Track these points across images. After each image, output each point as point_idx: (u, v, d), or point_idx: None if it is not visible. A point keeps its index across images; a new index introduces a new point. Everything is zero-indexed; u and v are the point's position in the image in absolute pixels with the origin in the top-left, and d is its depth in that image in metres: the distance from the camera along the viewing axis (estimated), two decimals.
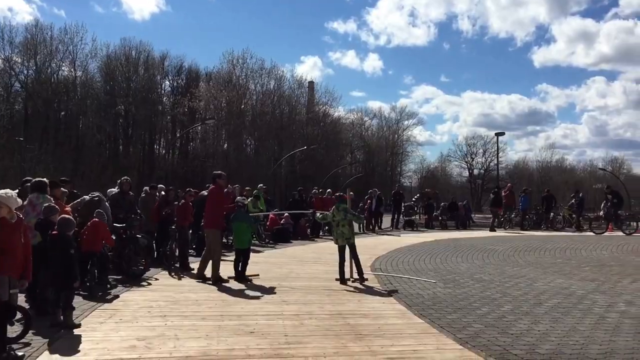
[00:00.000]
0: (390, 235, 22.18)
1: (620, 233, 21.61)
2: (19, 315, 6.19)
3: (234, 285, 10.00)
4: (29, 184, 9.12)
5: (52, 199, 8.13)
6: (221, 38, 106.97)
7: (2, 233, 5.49)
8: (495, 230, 23.83)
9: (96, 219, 9.30)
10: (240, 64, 63.26)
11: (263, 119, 63.14)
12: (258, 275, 10.67)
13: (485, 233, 23.21)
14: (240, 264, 10.50)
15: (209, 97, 60.35)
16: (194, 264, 11.17)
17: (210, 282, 10.11)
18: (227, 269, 10.63)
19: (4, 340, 5.54)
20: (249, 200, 16.02)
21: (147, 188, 14.00)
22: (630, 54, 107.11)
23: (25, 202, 8.02)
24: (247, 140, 65.07)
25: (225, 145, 63.81)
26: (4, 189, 10.48)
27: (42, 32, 55.24)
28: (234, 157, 59.85)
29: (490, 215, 27.13)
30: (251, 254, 11.15)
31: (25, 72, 55.26)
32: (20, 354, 5.51)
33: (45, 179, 8.42)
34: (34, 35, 54.62)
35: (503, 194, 26.44)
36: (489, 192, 70.98)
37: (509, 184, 29.53)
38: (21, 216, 5.99)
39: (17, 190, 9.76)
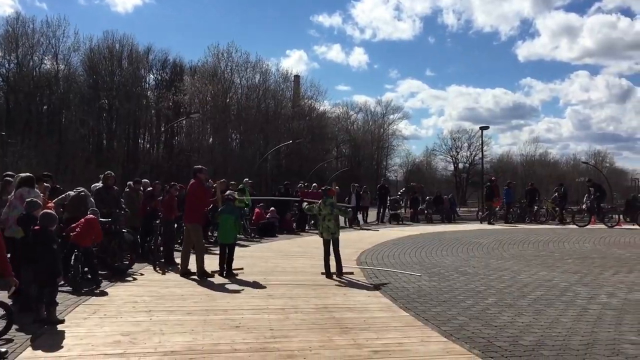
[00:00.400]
0: (376, 229, 22.24)
1: (603, 226, 21.89)
2: (1, 312, 6.14)
3: (219, 279, 9.98)
4: (8, 177, 9.07)
5: (40, 194, 8.06)
6: (206, 31, 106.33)
7: None
8: (493, 224, 23.99)
9: (91, 216, 9.25)
10: (226, 57, 62.96)
11: (248, 113, 62.90)
12: (243, 269, 10.66)
13: (470, 226, 23.39)
14: (225, 259, 10.46)
15: (193, 91, 59.98)
16: (180, 259, 11.11)
17: (195, 277, 10.08)
18: (212, 263, 10.59)
19: None
20: (236, 194, 15.95)
21: (130, 183, 13.90)
22: (613, 48, 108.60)
23: (11, 196, 7.94)
24: (232, 134, 64.81)
25: (211, 140, 63.51)
26: None
27: (23, 25, 54.52)
28: (219, 151, 59.57)
29: (476, 209, 27.26)
30: (237, 249, 11.13)
31: (7, 65, 54.58)
32: (3, 350, 5.46)
33: (30, 174, 8.33)
34: (15, 28, 53.83)
35: None
36: (474, 185, 71.69)
37: (492, 178, 29.74)
38: None
39: None
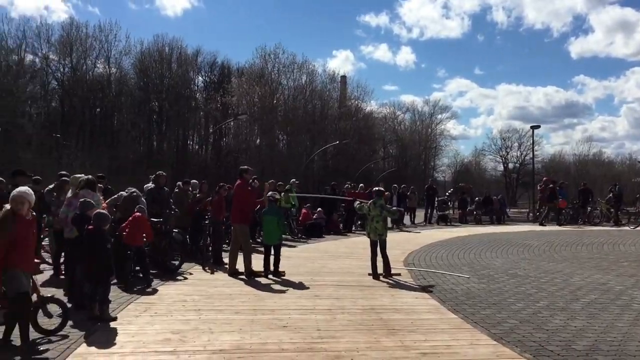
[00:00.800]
0: (424, 230, 22.01)
1: None
2: (57, 309, 6.34)
3: (267, 280, 10.06)
4: (65, 177, 9.44)
5: (101, 197, 8.32)
6: (253, 33, 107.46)
7: (20, 228, 5.60)
8: (544, 225, 23.48)
9: (138, 214, 9.48)
10: (272, 59, 63.43)
11: (295, 113, 63.23)
12: (284, 272, 10.62)
13: (520, 228, 22.89)
14: (270, 260, 10.52)
15: (241, 92, 60.64)
16: (228, 259, 11.25)
17: (243, 277, 10.20)
18: (259, 263, 10.66)
19: (28, 329, 5.64)
20: (281, 195, 16.06)
21: (180, 183, 14.16)
22: None
23: (70, 196, 8.22)
24: (279, 135, 65.26)
25: (258, 141, 64.17)
26: (43, 185, 10.82)
27: (77, 30, 56.32)
28: (266, 152, 60.11)
29: (526, 210, 26.54)
30: (284, 249, 11.17)
31: (62, 69, 56.40)
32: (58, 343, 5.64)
33: (92, 177, 8.60)
34: (69, 33, 55.67)
35: (539, 188, 25.97)
36: (524, 186, 70.09)
37: (544, 178, 29.00)
38: (34, 214, 6.06)
39: (52, 185, 10.08)
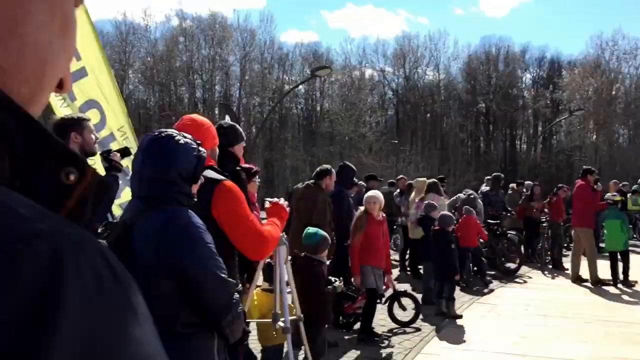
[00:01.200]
0: None
1: None
2: (410, 302, 6.85)
3: (615, 289, 9.20)
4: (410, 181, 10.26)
5: (444, 198, 8.89)
6: (586, 22, 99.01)
7: (371, 228, 6.13)
8: None
9: (466, 215, 9.70)
10: (610, 46, 57.71)
11: (639, 105, 56.45)
12: (636, 282, 9.52)
13: None
14: (617, 268, 9.58)
15: (574, 86, 56.74)
16: (569, 264, 10.67)
17: (588, 284, 9.54)
18: (604, 270, 9.78)
19: (371, 323, 6.13)
20: (629, 195, 14.54)
21: (513, 185, 13.98)
22: None
23: (417, 199, 8.94)
24: (619, 130, 59.12)
25: (594, 137, 59.16)
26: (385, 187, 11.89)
27: (409, 42, 60.20)
28: (604, 149, 55.03)
29: None
30: (636, 256, 10.08)
31: (396, 80, 61.04)
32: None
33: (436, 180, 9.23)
34: (402, 46, 59.87)
35: None
36: None
37: None
38: (384, 215, 6.55)
39: (398, 191, 11.02)
